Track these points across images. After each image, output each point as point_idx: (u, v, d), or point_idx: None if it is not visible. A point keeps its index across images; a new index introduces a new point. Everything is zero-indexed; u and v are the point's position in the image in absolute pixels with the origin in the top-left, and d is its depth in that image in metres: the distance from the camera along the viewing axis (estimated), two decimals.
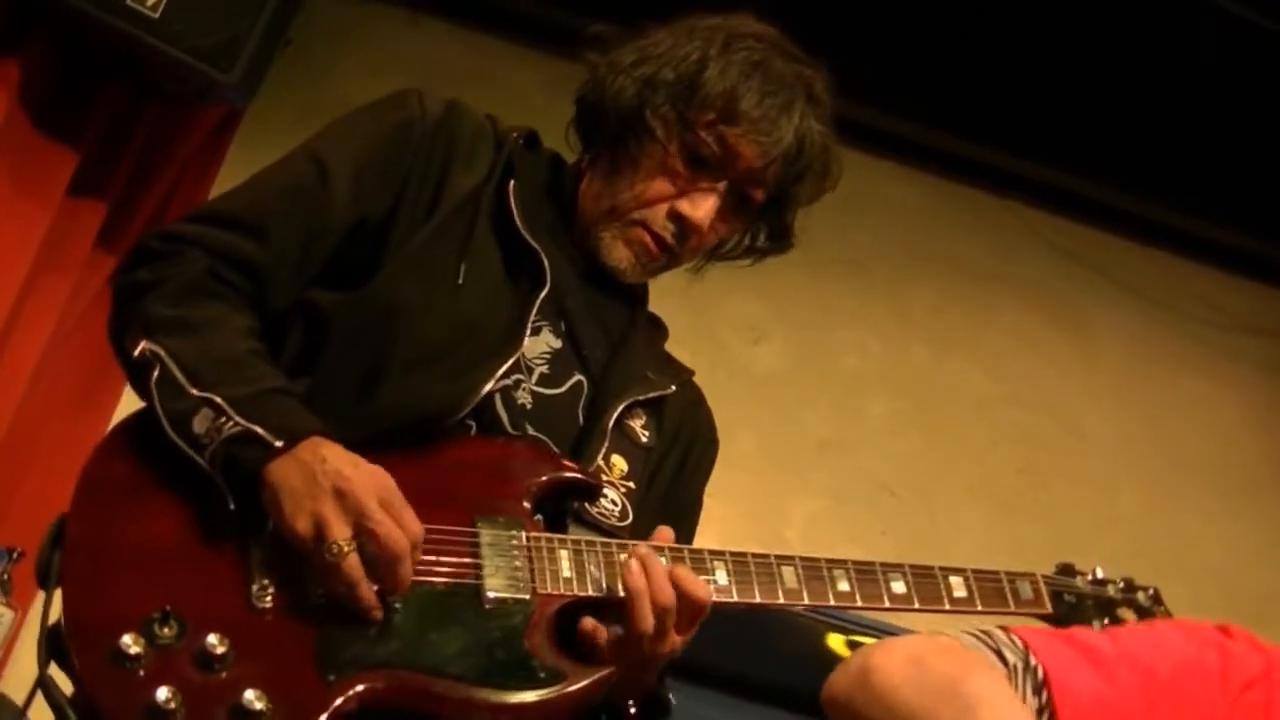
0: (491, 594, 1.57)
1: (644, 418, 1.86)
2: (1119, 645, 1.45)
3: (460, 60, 3.93)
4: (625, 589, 1.59)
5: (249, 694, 1.41)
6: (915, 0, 3.77)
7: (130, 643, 1.42)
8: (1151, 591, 1.87)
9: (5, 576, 2.87)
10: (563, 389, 1.79)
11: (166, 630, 1.44)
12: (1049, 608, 1.81)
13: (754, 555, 1.70)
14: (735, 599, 1.67)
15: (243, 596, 1.50)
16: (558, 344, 1.80)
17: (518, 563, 1.60)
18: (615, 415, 1.79)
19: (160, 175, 3.49)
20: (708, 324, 3.91)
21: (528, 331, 1.75)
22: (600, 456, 1.76)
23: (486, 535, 1.61)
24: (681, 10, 1.89)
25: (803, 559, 1.72)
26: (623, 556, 1.64)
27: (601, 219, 1.84)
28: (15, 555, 2.87)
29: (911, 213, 4.27)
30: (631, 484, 1.79)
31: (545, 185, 1.91)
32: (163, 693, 1.39)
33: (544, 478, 1.69)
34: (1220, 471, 4.25)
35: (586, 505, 1.72)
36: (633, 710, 1.72)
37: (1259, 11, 3.57)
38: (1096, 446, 4.22)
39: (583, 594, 1.61)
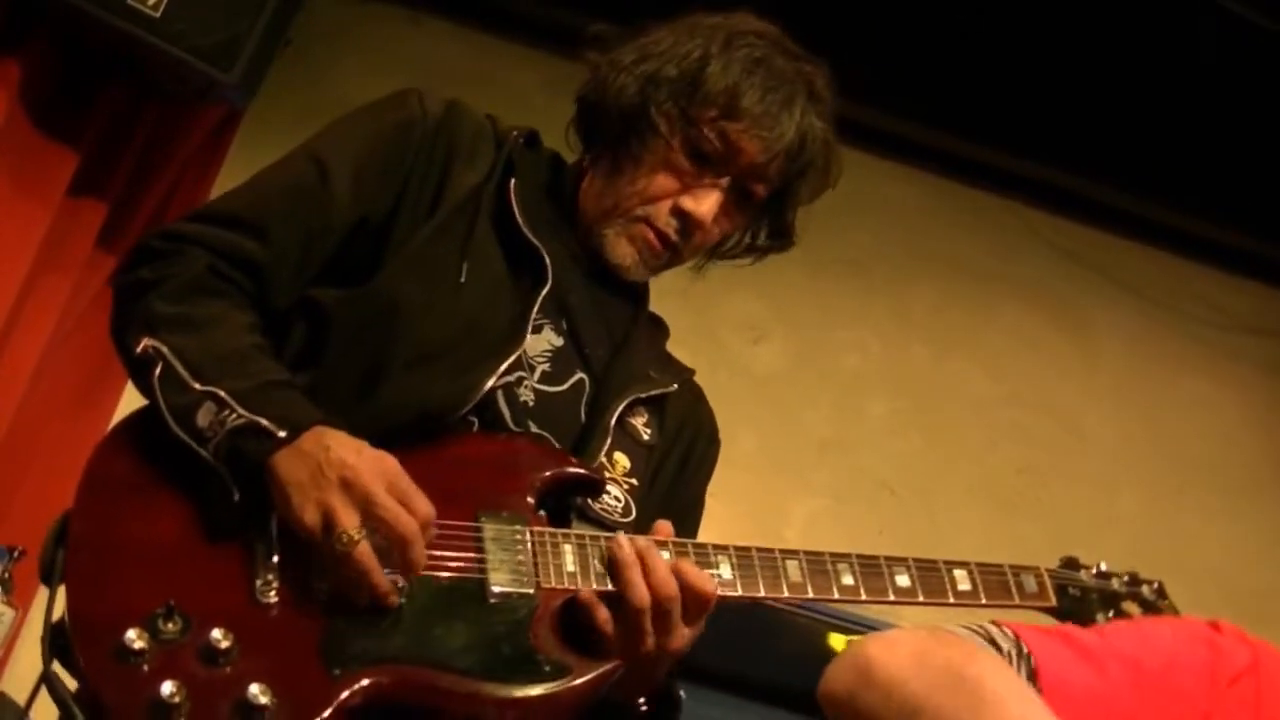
0: (496, 588, 1.57)
1: (646, 416, 1.86)
2: (1109, 640, 1.45)
3: (460, 60, 3.93)
4: (612, 560, 1.59)
5: (254, 688, 1.40)
6: (915, 0, 3.77)
7: (134, 638, 1.41)
8: (1156, 585, 1.87)
9: (6, 575, 2.87)
10: (565, 386, 1.80)
11: (170, 625, 1.44)
12: (1053, 600, 1.81)
13: (758, 549, 1.70)
14: (740, 593, 1.67)
15: (246, 591, 1.50)
16: (559, 342, 1.80)
17: (521, 557, 1.60)
18: (617, 413, 1.79)
19: (160, 175, 3.49)
20: (708, 324, 3.90)
21: (529, 329, 1.75)
22: (603, 453, 1.76)
23: (490, 530, 1.61)
24: (682, 9, 1.90)
25: (807, 553, 1.71)
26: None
27: (604, 216, 1.84)
28: (16, 554, 2.87)
29: (911, 213, 4.27)
30: (634, 481, 1.79)
31: (546, 184, 1.91)
32: (167, 687, 1.38)
33: (547, 473, 1.69)
34: (1220, 471, 4.25)
35: (589, 501, 1.72)
36: (644, 708, 1.71)
37: (1259, 11, 3.57)
38: (1096, 446, 4.21)
39: (586, 587, 1.61)
